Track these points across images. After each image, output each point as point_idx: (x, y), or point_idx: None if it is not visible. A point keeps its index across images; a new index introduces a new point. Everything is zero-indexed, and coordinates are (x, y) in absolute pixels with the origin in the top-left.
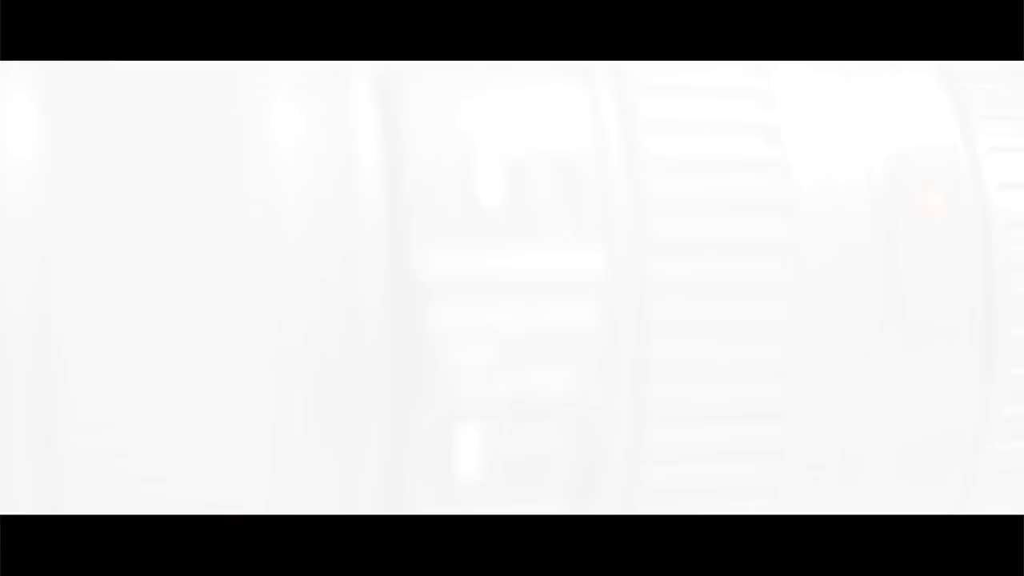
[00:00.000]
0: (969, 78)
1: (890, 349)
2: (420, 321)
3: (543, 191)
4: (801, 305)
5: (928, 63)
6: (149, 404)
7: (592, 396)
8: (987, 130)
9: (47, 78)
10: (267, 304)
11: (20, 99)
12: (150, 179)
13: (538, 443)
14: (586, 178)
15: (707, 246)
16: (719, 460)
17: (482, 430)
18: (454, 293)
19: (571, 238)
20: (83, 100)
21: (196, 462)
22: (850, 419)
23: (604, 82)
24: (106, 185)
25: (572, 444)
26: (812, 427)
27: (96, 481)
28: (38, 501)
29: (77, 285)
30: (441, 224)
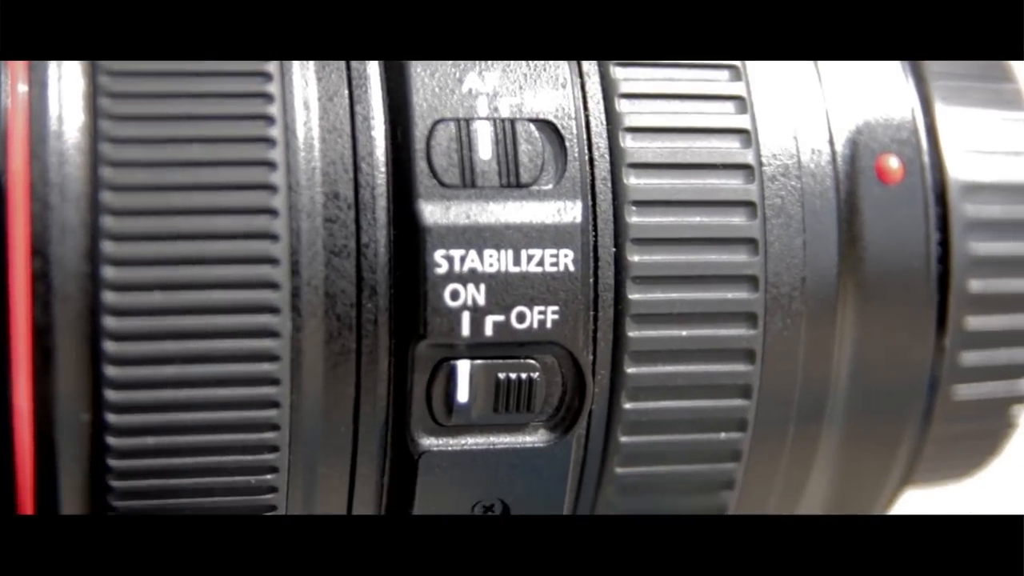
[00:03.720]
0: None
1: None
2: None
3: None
4: (765, 255)
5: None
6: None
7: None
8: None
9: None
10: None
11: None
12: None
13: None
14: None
15: (678, 203)
16: (693, 396)
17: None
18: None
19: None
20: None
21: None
22: (811, 362)
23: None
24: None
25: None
26: (777, 368)
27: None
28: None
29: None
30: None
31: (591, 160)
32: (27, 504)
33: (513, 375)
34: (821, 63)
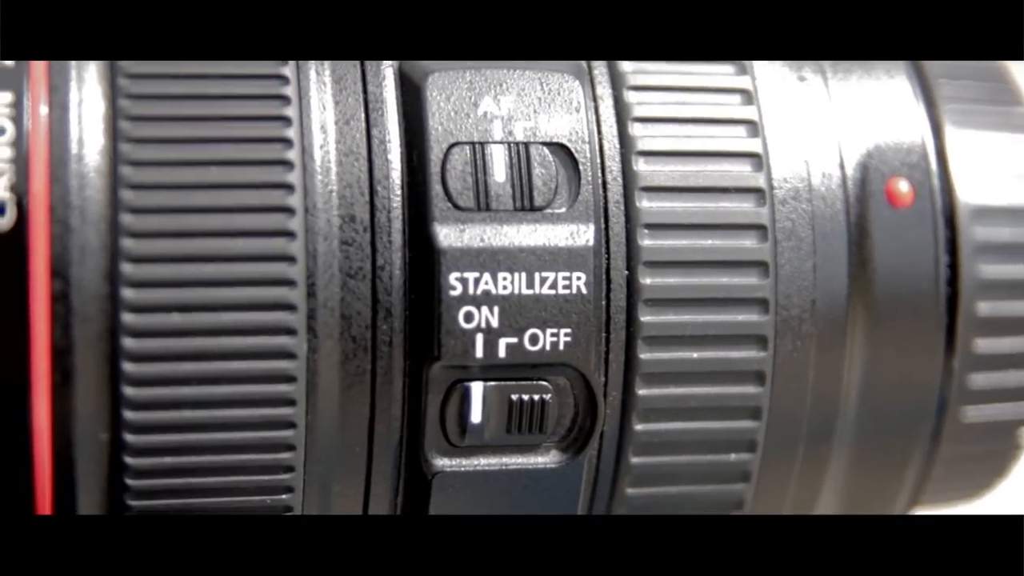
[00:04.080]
0: (942, 76)
1: (858, 323)
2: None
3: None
4: (776, 278)
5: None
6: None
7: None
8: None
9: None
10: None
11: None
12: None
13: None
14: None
15: (690, 226)
16: (703, 417)
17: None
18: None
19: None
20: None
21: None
22: (820, 384)
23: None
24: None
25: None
26: (787, 389)
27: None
28: None
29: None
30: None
31: (604, 183)
32: None
33: (526, 396)
34: (832, 85)
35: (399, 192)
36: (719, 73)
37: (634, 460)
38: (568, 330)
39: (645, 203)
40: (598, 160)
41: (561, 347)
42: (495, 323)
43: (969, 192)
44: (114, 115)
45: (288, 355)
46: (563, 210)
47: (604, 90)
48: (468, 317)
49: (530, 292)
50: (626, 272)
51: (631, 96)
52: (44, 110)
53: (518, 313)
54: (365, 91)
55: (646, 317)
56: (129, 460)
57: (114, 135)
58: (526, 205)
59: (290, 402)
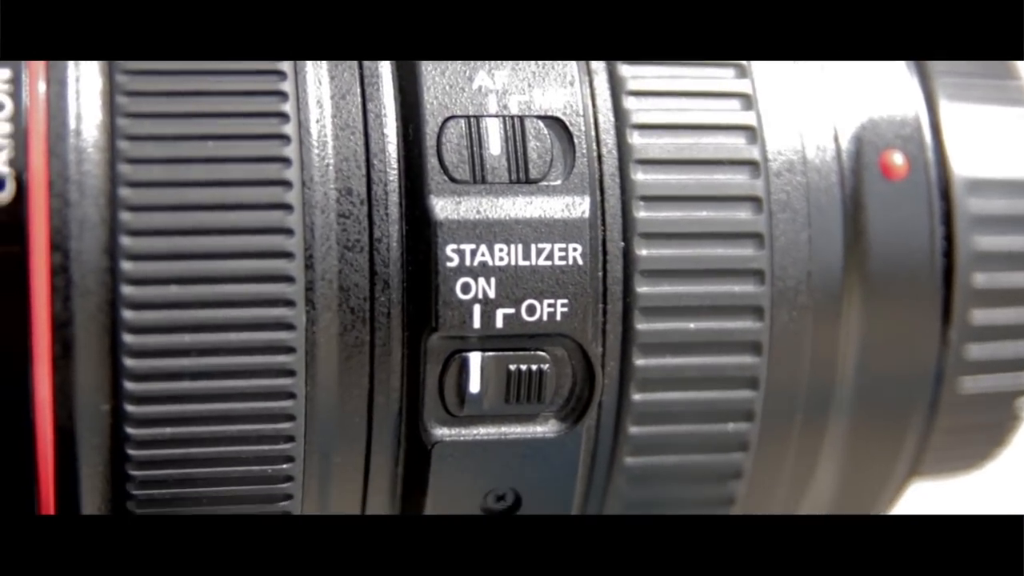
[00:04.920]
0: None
1: (854, 295)
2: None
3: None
4: (771, 250)
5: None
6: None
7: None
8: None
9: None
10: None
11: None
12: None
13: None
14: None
15: (685, 198)
16: (701, 387)
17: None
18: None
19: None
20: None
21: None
22: (817, 354)
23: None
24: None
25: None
26: (784, 360)
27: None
28: None
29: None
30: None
31: (599, 156)
32: (48, 492)
33: (524, 366)
34: (826, 61)
35: (395, 165)
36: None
37: (632, 430)
38: (565, 300)
39: (640, 175)
40: (593, 133)
41: (558, 317)
42: (492, 294)
43: (964, 164)
44: (111, 90)
45: (287, 326)
46: (558, 182)
47: (598, 64)
48: (465, 288)
49: (526, 263)
50: (622, 244)
51: (625, 70)
52: (42, 86)
53: (515, 284)
54: (360, 66)
55: (642, 288)
56: (130, 430)
57: (112, 110)
58: (521, 178)
59: (290, 373)
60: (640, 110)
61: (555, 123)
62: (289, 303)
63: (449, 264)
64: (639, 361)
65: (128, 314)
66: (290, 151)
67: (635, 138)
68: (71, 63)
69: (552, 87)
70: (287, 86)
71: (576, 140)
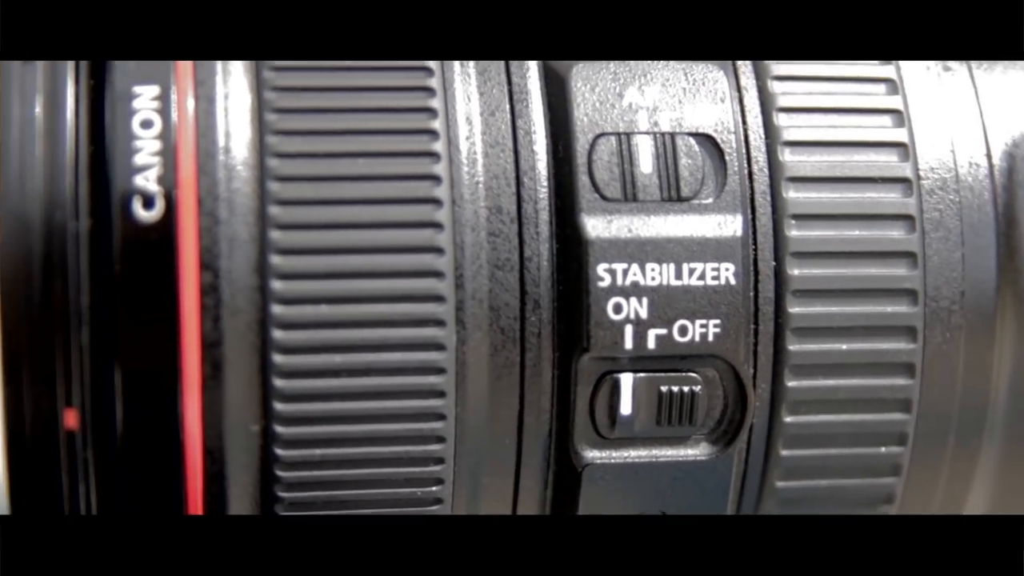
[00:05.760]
0: None
1: (1008, 314)
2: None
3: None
4: (924, 269)
5: None
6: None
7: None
8: None
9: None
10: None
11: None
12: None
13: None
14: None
15: (837, 216)
16: (853, 409)
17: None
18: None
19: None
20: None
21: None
22: (970, 376)
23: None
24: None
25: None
26: (937, 382)
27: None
28: None
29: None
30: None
31: (750, 174)
32: (196, 511)
33: (676, 388)
34: (977, 75)
35: (545, 183)
36: (863, 63)
37: (784, 453)
38: (717, 321)
39: (792, 193)
40: (744, 150)
41: (710, 338)
42: (644, 314)
43: None
44: (260, 107)
45: (438, 346)
46: (710, 200)
47: (748, 80)
48: (617, 308)
49: (679, 283)
50: (774, 263)
51: (775, 86)
52: (191, 103)
53: (667, 304)
54: (509, 82)
55: (795, 308)
56: (280, 451)
57: (260, 127)
58: (673, 196)
59: (440, 394)
60: (791, 127)
61: (706, 140)
62: (440, 323)
63: (601, 284)
64: (791, 383)
65: (279, 334)
66: (440, 169)
67: (786, 155)
68: (219, 79)
69: (703, 103)
70: (436, 103)
71: (728, 158)
